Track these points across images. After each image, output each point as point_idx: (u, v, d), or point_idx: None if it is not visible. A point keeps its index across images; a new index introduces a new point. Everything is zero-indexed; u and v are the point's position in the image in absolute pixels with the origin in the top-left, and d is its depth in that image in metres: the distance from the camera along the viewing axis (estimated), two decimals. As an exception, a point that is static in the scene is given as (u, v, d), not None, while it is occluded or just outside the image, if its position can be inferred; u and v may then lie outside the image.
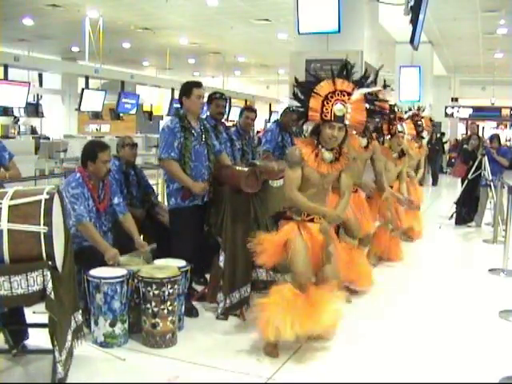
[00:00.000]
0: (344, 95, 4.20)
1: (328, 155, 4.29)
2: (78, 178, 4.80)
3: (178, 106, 5.41)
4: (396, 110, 7.46)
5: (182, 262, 4.77)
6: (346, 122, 4.21)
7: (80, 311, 4.10)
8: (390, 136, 7.32)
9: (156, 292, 4.31)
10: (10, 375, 3.89)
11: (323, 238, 4.36)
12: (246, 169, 5.17)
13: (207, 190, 5.18)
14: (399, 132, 7.25)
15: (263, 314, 4.19)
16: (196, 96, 5.23)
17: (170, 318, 4.37)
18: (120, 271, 4.43)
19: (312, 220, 4.38)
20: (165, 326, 4.35)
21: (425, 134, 9.14)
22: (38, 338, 4.11)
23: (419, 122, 9.03)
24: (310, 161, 4.25)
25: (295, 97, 4.39)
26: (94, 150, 4.85)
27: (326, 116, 4.19)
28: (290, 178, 4.30)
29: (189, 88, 5.25)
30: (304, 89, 4.34)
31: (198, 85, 5.33)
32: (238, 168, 5.37)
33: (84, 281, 4.37)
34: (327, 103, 4.19)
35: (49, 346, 3.59)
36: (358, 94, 4.22)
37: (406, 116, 8.01)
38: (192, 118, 5.22)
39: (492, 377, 4.06)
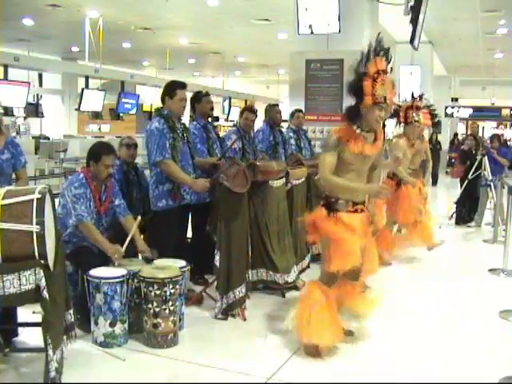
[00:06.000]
0: (384, 74, 4.14)
1: (370, 136, 4.24)
2: (81, 178, 4.79)
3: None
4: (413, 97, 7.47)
5: (181, 262, 4.78)
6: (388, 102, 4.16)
7: (71, 310, 4.09)
8: (405, 124, 7.32)
9: (158, 292, 4.31)
10: (3, 375, 3.88)
11: (367, 229, 4.36)
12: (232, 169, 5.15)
13: (208, 187, 5.24)
14: (415, 121, 7.23)
15: (299, 317, 4.22)
16: (179, 98, 5.26)
17: (171, 318, 4.37)
18: (120, 271, 4.43)
19: (356, 211, 4.29)
20: (166, 327, 4.35)
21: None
22: (33, 338, 4.13)
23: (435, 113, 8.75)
24: (352, 144, 4.14)
25: (351, 87, 4.24)
26: (98, 151, 4.82)
27: (377, 98, 4.09)
28: (326, 162, 4.20)
29: (173, 88, 5.28)
30: (357, 74, 4.19)
31: (183, 86, 5.34)
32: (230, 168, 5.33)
33: (84, 281, 4.38)
34: (375, 85, 4.09)
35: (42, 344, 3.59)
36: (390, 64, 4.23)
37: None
38: (174, 118, 5.27)
39: (492, 377, 4.06)
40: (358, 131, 4.19)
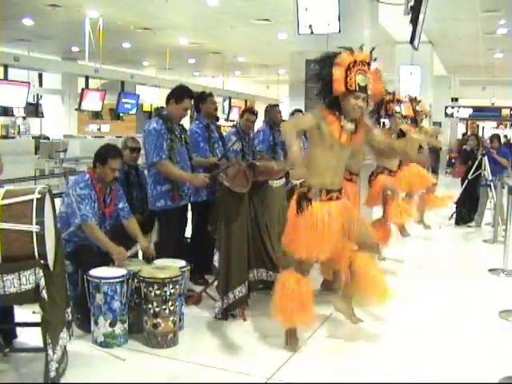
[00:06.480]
0: (364, 65, 4.22)
1: (350, 126, 4.29)
2: (86, 179, 4.79)
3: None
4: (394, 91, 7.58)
5: (181, 262, 4.78)
6: (369, 92, 4.22)
7: (69, 309, 4.11)
8: (387, 117, 7.42)
9: (157, 292, 4.31)
10: (3, 375, 3.87)
11: (347, 212, 4.40)
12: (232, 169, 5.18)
13: (207, 182, 5.33)
14: (396, 113, 7.32)
15: (274, 304, 4.35)
16: (184, 107, 5.30)
17: (171, 318, 4.37)
18: (120, 271, 4.44)
19: (331, 199, 4.35)
20: (166, 327, 4.35)
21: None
22: (31, 337, 4.13)
23: (417, 108, 8.99)
24: (332, 129, 4.22)
25: (317, 73, 4.37)
26: (105, 154, 4.82)
27: (350, 86, 4.16)
28: (300, 119, 4.44)
29: (182, 96, 5.29)
30: (324, 62, 4.31)
31: (191, 96, 5.38)
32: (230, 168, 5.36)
33: (84, 281, 4.38)
34: (350, 73, 4.16)
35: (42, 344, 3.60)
36: (375, 64, 4.27)
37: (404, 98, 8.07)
38: (173, 120, 5.29)
39: (492, 377, 4.06)
40: (340, 118, 4.27)
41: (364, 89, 4.19)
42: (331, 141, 4.25)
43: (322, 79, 4.32)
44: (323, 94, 4.37)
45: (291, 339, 4.46)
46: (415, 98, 9.20)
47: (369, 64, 4.26)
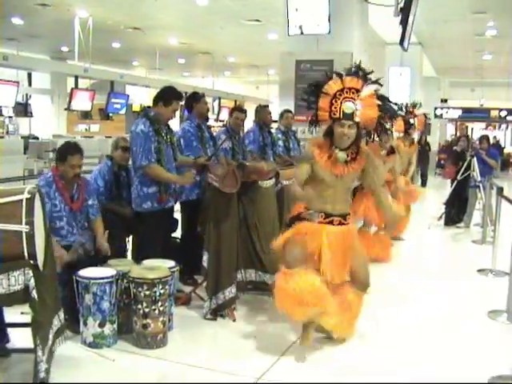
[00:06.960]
0: (353, 92, 4.17)
1: (342, 155, 4.23)
2: (48, 176, 4.87)
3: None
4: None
5: (171, 263, 4.77)
6: (357, 119, 4.17)
7: (62, 310, 4.09)
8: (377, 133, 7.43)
9: (147, 292, 4.30)
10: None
11: (347, 240, 4.35)
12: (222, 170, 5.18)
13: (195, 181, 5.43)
14: (386, 129, 7.31)
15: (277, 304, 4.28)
16: (173, 109, 5.28)
17: (161, 319, 4.36)
18: (109, 271, 4.42)
19: (331, 222, 4.31)
20: (156, 327, 4.35)
21: (416, 133, 9.08)
22: (20, 338, 4.11)
23: (411, 120, 8.99)
24: (323, 162, 4.23)
25: (305, 100, 4.38)
26: (65, 151, 4.88)
27: (334, 114, 4.16)
28: (296, 173, 4.38)
29: (170, 97, 5.27)
30: (312, 92, 4.31)
31: (180, 98, 5.38)
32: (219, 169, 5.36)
33: (73, 281, 4.36)
34: (335, 101, 4.16)
35: (31, 345, 3.56)
36: (368, 90, 4.20)
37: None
38: (161, 122, 5.28)
39: (481, 376, 4.08)
40: (333, 148, 4.25)
41: (350, 116, 4.15)
42: (323, 175, 4.26)
43: (311, 108, 4.33)
44: (314, 123, 4.38)
45: (303, 339, 4.43)
46: (412, 110, 9.20)
47: (358, 90, 4.17)
